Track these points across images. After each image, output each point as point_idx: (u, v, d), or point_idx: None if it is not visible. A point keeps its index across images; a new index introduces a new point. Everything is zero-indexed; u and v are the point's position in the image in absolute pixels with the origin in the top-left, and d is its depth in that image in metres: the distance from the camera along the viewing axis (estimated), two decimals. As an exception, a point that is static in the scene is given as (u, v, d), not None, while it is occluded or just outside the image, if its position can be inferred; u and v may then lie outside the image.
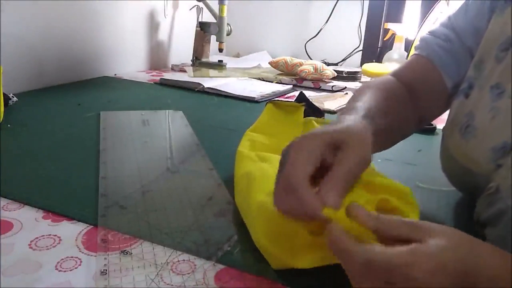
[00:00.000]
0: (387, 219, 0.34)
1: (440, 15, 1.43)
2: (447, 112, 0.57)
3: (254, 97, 1.14)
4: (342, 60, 1.80)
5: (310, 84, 1.39)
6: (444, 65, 0.57)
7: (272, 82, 1.39)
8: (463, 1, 0.58)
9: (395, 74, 0.62)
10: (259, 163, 0.54)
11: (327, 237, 0.34)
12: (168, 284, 0.38)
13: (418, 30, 1.50)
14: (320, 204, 0.35)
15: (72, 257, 0.41)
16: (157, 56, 1.62)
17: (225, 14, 1.52)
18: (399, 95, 0.58)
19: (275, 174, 0.43)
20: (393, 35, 1.58)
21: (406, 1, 1.66)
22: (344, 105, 1.09)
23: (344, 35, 1.83)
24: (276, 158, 0.54)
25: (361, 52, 1.76)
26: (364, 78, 1.47)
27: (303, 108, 0.65)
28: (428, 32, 0.61)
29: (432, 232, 0.31)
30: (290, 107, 0.66)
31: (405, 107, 0.58)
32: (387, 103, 0.53)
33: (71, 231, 0.46)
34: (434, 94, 0.58)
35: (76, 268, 0.40)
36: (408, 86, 0.59)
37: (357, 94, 0.55)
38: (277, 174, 0.40)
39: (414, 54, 0.61)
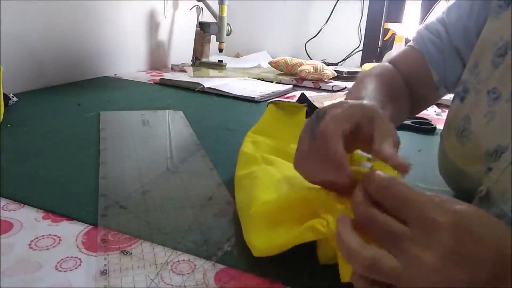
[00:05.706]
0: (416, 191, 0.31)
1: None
2: (445, 114, 0.58)
3: (254, 97, 1.14)
4: (342, 60, 1.80)
5: (310, 84, 1.39)
6: (433, 61, 0.60)
7: (272, 82, 1.39)
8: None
9: (393, 62, 0.65)
10: (263, 165, 0.53)
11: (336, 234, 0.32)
12: (168, 284, 0.38)
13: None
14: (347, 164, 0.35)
15: (72, 257, 0.41)
16: (157, 56, 1.62)
17: (225, 14, 1.52)
18: (399, 86, 0.61)
19: (280, 177, 0.43)
20: (393, 35, 1.58)
21: (406, 1, 1.66)
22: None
23: (344, 35, 1.83)
24: (281, 162, 0.54)
25: (361, 52, 1.76)
26: (364, 78, 1.47)
27: (305, 109, 0.65)
28: (424, 25, 0.63)
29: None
30: (292, 107, 0.66)
31: (403, 98, 0.61)
32: (389, 93, 0.55)
33: (71, 231, 0.46)
34: (424, 86, 0.61)
35: (76, 268, 0.40)
36: (403, 76, 0.62)
37: (360, 83, 0.56)
38: (304, 130, 0.41)
39: (409, 45, 0.64)
